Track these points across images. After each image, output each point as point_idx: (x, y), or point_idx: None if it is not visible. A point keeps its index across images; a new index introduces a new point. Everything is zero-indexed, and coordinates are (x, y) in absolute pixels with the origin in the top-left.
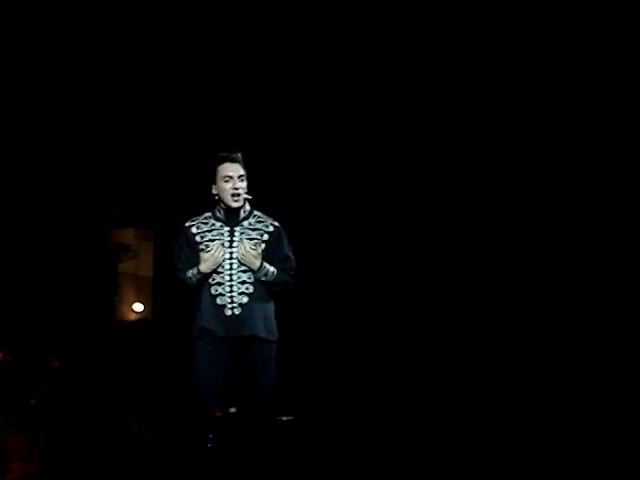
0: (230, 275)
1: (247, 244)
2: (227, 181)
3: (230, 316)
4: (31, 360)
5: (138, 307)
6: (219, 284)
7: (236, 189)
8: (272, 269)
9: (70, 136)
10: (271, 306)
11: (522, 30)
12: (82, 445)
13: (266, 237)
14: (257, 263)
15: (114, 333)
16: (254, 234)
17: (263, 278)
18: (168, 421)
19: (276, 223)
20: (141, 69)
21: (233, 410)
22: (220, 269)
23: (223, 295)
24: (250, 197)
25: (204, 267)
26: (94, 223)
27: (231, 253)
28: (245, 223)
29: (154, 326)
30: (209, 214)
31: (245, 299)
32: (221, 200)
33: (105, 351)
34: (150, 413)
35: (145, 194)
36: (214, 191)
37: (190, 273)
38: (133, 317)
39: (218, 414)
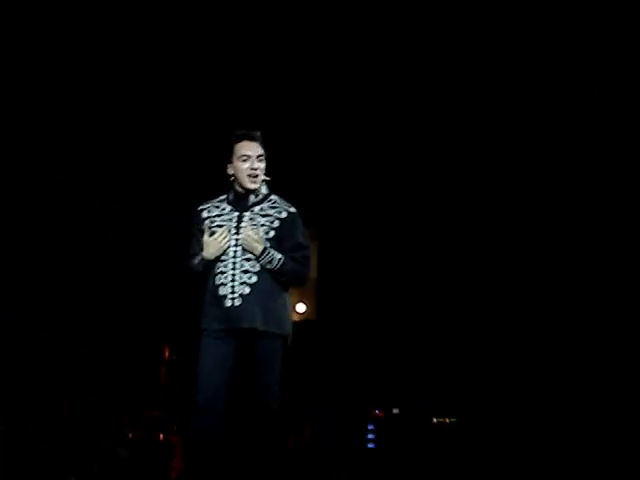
0: (233, 263)
1: (250, 228)
2: (244, 160)
3: (230, 307)
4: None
5: (301, 308)
6: (222, 273)
7: (254, 169)
8: (279, 256)
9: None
10: (280, 299)
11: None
12: (242, 445)
13: (277, 224)
14: (259, 248)
15: None
16: (264, 220)
17: (268, 266)
18: (330, 424)
19: (292, 209)
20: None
21: (396, 411)
22: (224, 257)
23: (225, 285)
24: (268, 179)
25: (206, 253)
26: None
27: (237, 240)
28: (256, 208)
29: (318, 327)
30: (224, 197)
31: (247, 289)
32: (237, 181)
33: None
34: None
35: (307, 194)
36: (230, 171)
37: (196, 259)
38: (296, 318)
39: (380, 415)
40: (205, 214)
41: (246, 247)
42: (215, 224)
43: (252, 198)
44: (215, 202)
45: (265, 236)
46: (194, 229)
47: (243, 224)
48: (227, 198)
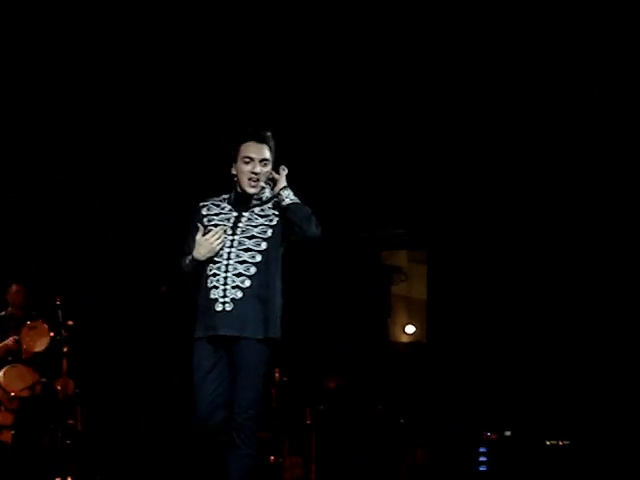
0: (226, 266)
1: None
2: (247, 162)
3: (220, 312)
4: (307, 381)
5: (410, 329)
6: (214, 275)
7: (255, 174)
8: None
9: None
10: (273, 304)
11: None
12: (357, 467)
13: (275, 221)
14: (283, 181)
15: (387, 354)
16: (262, 220)
17: (282, 203)
18: (440, 446)
19: None
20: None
21: (508, 434)
22: (218, 258)
23: (217, 288)
24: (269, 185)
25: (196, 253)
26: (366, 246)
27: (232, 241)
28: (256, 209)
29: (428, 349)
30: (227, 196)
31: (239, 294)
32: (238, 182)
33: (378, 372)
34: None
35: (416, 216)
36: (233, 171)
37: (187, 259)
38: (405, 339)
39: (492, 437)
40: (204, 211)
41: (276, 187)
42: (212, 223)
43: (253, 201)
44: (217, 200)
45: (262, 235)
46: (192, 226)
47: (241, 225)
48: (229, 198)
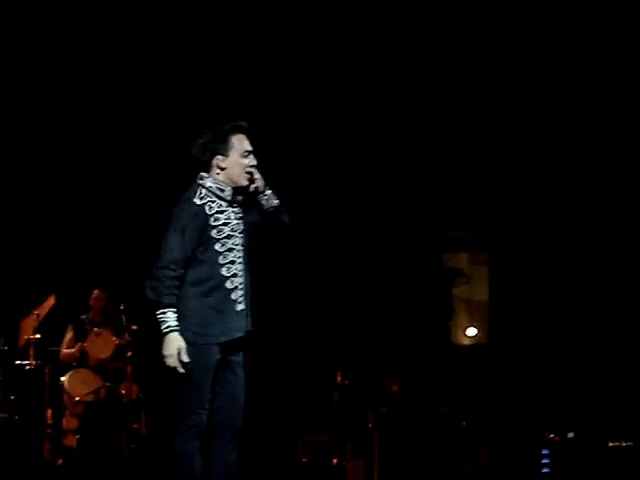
0: (242, 264)
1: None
2: (246, 156)
3: (240, 312)
4: (368, 384)
5: (471, 331)
6: (235, 276)
7: (253, 166)
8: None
9: None
10: None
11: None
12: (419, 470)
13: (244, 216)
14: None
15: (449, 357)
16: (240, 216)
17: (273, 202)
18: (502, 448)
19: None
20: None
21: (571, 435)
22: (233, 258)
23: (237, 288)
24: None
25: (167, 351)
26: (428, 247)
27: (242, 239)
28: (234, 205)
29: (490, 351)
30: (204, 191)
31: (244, 290)
32: (228, 176)
33: (440, 374)
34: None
35: (477, 218)
36: (222, 164)
37: (168, 314)
38: (467, 341)
39: (555, 439)
40: (207, 210)
41: (258, 182)
42: (220, 222)
43: (238, 197)
44: (207, 197)
45: (245, 232)
46: (190, 226)
47: (238, 223)
48: (213, 193)
